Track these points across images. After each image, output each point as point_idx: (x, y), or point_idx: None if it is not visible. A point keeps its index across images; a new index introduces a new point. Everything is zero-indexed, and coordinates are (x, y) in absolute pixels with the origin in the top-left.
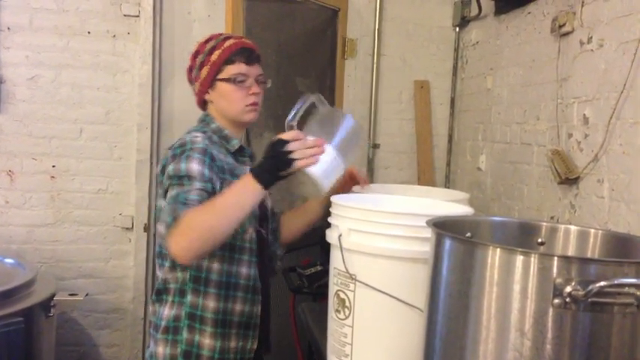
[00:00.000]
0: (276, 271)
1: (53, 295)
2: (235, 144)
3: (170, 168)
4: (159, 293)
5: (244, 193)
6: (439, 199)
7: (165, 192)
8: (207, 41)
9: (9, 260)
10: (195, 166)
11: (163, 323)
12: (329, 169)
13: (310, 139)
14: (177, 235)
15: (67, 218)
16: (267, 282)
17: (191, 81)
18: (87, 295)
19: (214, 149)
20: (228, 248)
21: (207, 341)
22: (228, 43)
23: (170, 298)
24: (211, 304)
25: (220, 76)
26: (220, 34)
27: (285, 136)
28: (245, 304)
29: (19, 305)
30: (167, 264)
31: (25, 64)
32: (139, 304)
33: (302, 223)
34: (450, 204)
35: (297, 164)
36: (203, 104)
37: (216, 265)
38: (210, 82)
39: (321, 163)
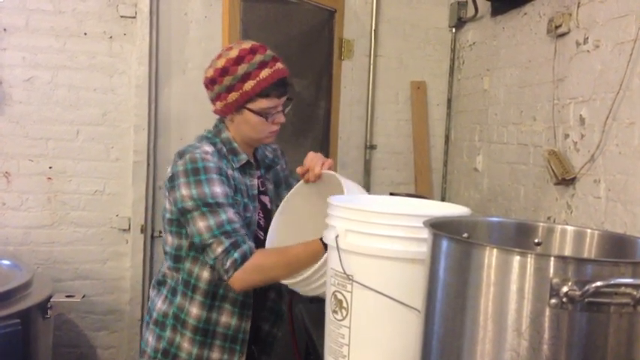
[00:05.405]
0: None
1: (50, 297)
2: (242, 159)
3: (193, 192)
4: (158, 283)
5: (313, 256)
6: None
7: (182, 211)
8: (238, 62)
9: (6, 262)
10: (218, 190)
11: (154, 315)
12: None
13: None
14: (244, 274)
15: (64, 220)
16: (262, 300)
17: (210, 89)
18: (84, 296)
19: (223, 165)
20: None
21: (185, 345)
22: (264, 73)
23: (165, 292)
24: (194, 310)
25: (250, 106)
26: (253, 55)
27: None
28: (232, 317)
29: (16, 307)
30: (168, 262)
31: (22, 65)
32: (136, 305)
33: None
34: (447, 204)
35: None
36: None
37: (205, 274)
38: (238, 108)
39: None
